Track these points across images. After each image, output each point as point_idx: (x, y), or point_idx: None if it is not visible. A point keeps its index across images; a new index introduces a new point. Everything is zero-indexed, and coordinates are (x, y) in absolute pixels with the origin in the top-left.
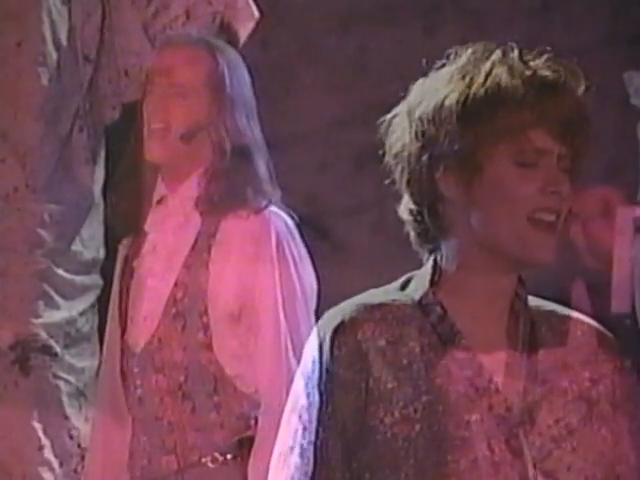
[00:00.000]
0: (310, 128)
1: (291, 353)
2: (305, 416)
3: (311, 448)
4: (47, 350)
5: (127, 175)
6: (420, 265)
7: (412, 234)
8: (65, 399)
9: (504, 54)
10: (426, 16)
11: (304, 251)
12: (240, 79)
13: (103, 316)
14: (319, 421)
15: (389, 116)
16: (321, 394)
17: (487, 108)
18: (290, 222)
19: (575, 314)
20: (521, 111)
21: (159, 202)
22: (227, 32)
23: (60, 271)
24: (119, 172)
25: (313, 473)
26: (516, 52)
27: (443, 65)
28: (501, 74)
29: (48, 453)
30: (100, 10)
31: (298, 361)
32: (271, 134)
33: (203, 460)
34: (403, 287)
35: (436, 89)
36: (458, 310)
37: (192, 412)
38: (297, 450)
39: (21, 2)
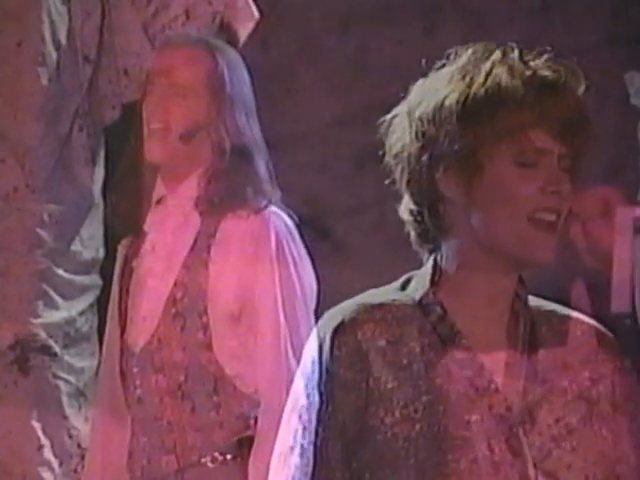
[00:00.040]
0: (310, 128)
1: (291, 353)
2: (305, 416)
3: (311, 448)
4: (46, 350)
5: (127, 175)
6: (420, 265)
7: (412, 234)
8: (65, 399)
9: (504, 54)
10: (426, 16)
11: (304, 251)
12: (240, 79)
13: (102, 316)
14: (319, 421)
15: (389, 116)
16: (321, 394)
17: (487, 108)
18: (290, 222)
19: (575, 314)
20: (521, 111)
21: (158, 202)
22: (227, 32)
23: (60, 271)
24: (119, 172)
25: (313, 473)
26: (516, 52)
27: (443, 65)
28: (501, 74)
29: (48, 453)
30: (100, 10)
31: (298, 361)
32: (271, 134)
33: (203, 460)
34: (403, 287)
35: (436, 89)
36: (458, 310)
37: (192, 412)
38: (297, 450)
39: (21, 2)
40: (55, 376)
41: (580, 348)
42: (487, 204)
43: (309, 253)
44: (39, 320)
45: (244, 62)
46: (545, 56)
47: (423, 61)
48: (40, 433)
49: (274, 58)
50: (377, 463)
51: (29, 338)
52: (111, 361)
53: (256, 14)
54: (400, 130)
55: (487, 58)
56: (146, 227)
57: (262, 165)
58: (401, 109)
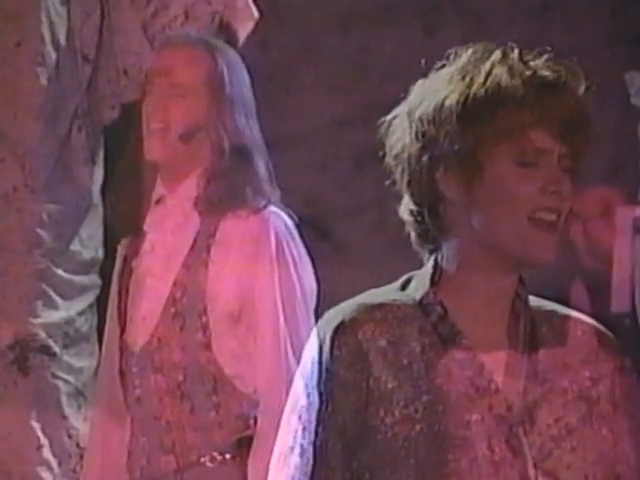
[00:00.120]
0: (310, 128)
1: (290, 353)
2: (305, 416)
3: (311, 448)
4: (46, 350)
5: (126, 175)
6: (420, 265)
7: (413, 234)
8: (64, 399)
9: (504, 54)
10: (426, 16)
11: (303, 251)
12: (239, 79)
13: (102, 316)
14: (319, 421)
15: (389, 117)
16: (321, 394)
17: (487, 108)
18: (289, 222)
19: (575, 314)
20: (521, 111)
21: (158, 202)
22: (226, 32)
23: (59, 271)
24: (118, 172)
25: (313, 473)
26: (516, 52)
27: (443, 66)
28: (501, 74)
29: (47, 453)
30: (99, 10)
31: (297, 361)
32: (271, 134)
33: (202, 460)
34: (403, 287)
35: (436, 90)
36: (459, 310)
37: (191, 412)
38: (297, 450)
39: (20, 2)
40: (54, 376)
41: (580, 348)
42: (487, 204)
43: (309, 253)
44: (38, 320)
45: (244, 62)
46: (545, 56)
47: (423, 61)
48: (39, 433)
49: (274, 58)
50: (377, 463)
51: (28, 338)
52: (110, 361)
53: (256, 14)
54: (400, 131)
55: (487, 58)
56: (145, 227)
57: (262, 165)
58: (401, 110)
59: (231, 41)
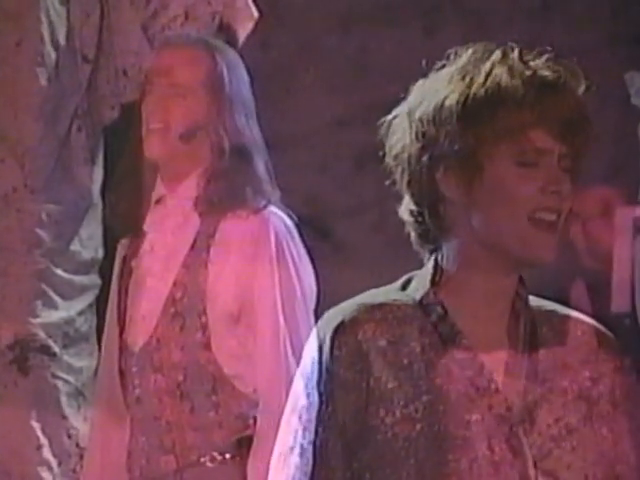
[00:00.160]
0: (310, 128)
1: (290, 353)
2: (305, 416)
3: (311, 448)
4: (45, 350)
5: (126, 175)
6: (421, 265)
7: (413, 235)
8: (64, 399)
9: (504, 54)
10: (426, 16)
11: (303, 251)
12: (239, 79)
13: (101, 316)
14: (319, 421)
15: (389, 117)
16: (321, 394)
17: (487, 108)
18: (289, 222)
19: (576, 314)
20: (521, 111)
21: (158, 202)
22: (226, 32)
23: (59, 271)
24: (118, 172)
25: (313, 473)
26: (516, 52)
27: (443, 66)
28: (501, 74)
29: (47, 452)
30: (99, 10)
31: (297, 361)
32: (271, 134)
33: (202, 460)
34: (404, 287)
35: (436, 90)
36: (459, 310)
37: (191, 412)
38: (297, 450)
39: (19, 2)
40: (54, 376)
41: (580, 348)
42: (487, 204)
43: (309, 253)
44: (38, 320)
45: (244, 62)
46: (545, 56)
47: (423, 62)
48: (39, 433)
49: (274, 58)
50: (377, 463)
51: (28, 338)
52: (110, 361)
53: (255, 14)
54: (400, 131)
55: (487, 58)
56: (145, 227)
57: (261, 165)
58: (401, 110)
59: (231, 41)
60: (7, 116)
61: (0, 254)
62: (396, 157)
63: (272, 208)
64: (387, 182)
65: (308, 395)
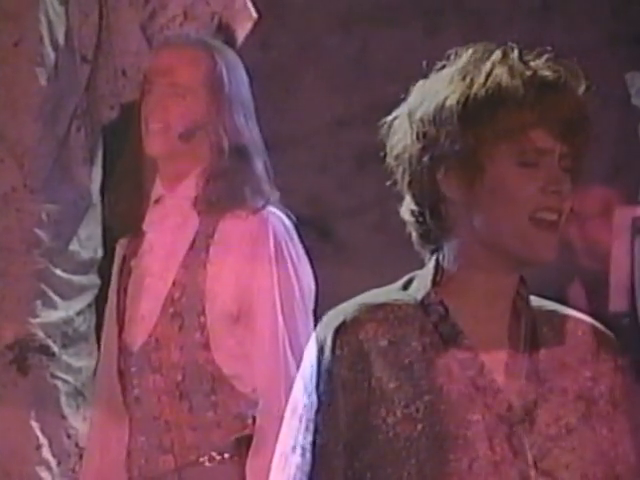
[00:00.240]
0: (311, 128)
1: (289, 353)
2: (306, 416)
3: (312, 448)
4: (45, 350)
5: (125, 175)
6: (422, 265)
7: (414, 235)
8: (63, 398)
9: (504, 54)
10: (426, 16)
11: (302, 251)
12: (238, 79)
13: (101, 316)
14: (320, 421)
15: (390, 118)
16: (323, 394)
17: (488, 108)
18: (288, 222)
19: (576, 314)
20: (522, 111)
21: (157, 202)
22: (225, 33)
23: (58, 271)
24: (117, 172)
25: (315, 473)
26: (516, 52)
27: (443, 66)
28: (501, 74)
29: (46, 452)
30: (98, 10)
31: (296, 361)
32: (272, 135)
33: (201, 459)
34: (405, 287)
35: (437, 90)
36: (460, 310)
37: (189, 411)
38: (299, 450)
39: (18, 2)
40: (53, 376)
41: (581, 348)
42: (488, 204)
43: (307, 253)
44: (37, 320)
45: (243, 63)
46: (545, 56)
47: (424, 62)
48: (38, 432)
49: (275, 59)
50: (379, 463)
51: (27, 338)
52: (109, 360)
53: (254, 15)
54: (401, 131)
55: (487, 58)
56: (144, 227)
57: (260, 165)
58: (402, 110)
59: (229, 41)
60: (6, 116)
61: None
62: (397, 157)
63: (271, 208)
64: (388, 182)
65: (309, 395)
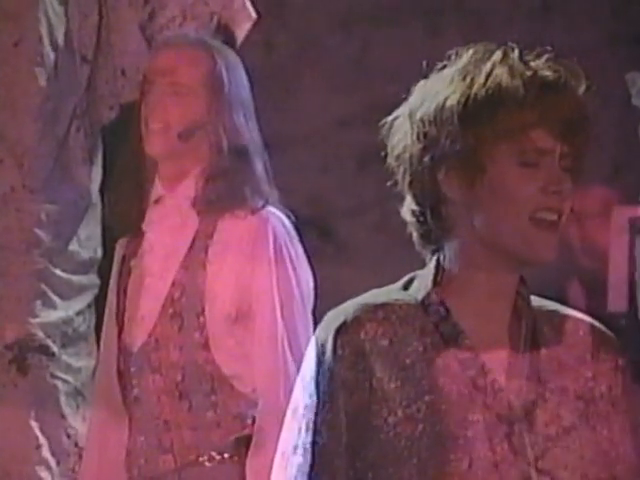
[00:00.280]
0: (312, 129)
1: (288, 353)
2: (308, 416)
3: (314, 448)
4: (44, 350)
5: (124, 175)
6: (422, 265)
7: (415, 235)
8: (62, 398)
9: (504, 55)
10: (427, 17)
11: (301, 251)
12: (238, 80)
13: (100, 316)
14: (322, 421)
15: (390, 118)
16: (324, 394)
17: (488, 109)
18: (287, 222)
19: (577, 314)
20: (522, 111)
21: (156, 202)
22: (224, 33)
23: (57, 271)
24: (116, 172)
25: (316, 473)
26: (516, 52)
27: (444, 66)
28: (502, 75)
29: (45, 452)
30: (97, 10)
31: (295, 361)
32: (274, 135)
33: (200, 459)
34: (406, 287)
35: (437, 90)
36: (461, 310)
37: (189, 411)
38: (300, 450)
39: (18, 2)
40: (53, 376)
41: (581, 348)
42: (489, 204)
43: (307, 253)
44: (37, 320)
45: (244, 63)
46: (545, 56)
47: (424, 62)
48: (38, 432)
49: (276, 59)
50: (380, 462)
51: (27, 338)
52: (108, 360)
53: (253, 15)
54: (402, 132)
55: (487, 59)
56: (144, 227)
57: (260, 165)
58: (402, 111)
59: (229, 42)
60: (6, 116)
61: None
62: (398, 158)
63: (270, 208)
64: (389, 182)
65: (310, 395)
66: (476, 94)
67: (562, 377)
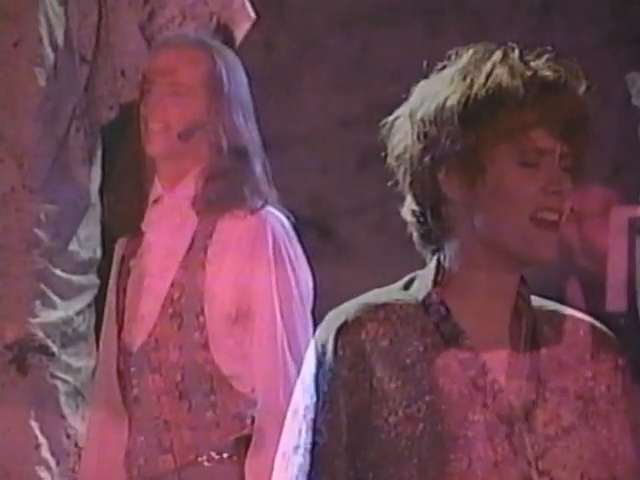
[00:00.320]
0: (312, 129)
1: (288, 353)
2: (309, 416)
3: (315, 448)
4: (44, 350)
5: (124, 175)
6: (423, 265)
7: (415, 235)
8: (62, 398)
9: (505, 55)
10: (427, 17)
11: (300, 251)
12: (237, 80)
13: (100, 316)
14: (322, 421)
15: (391, 118)
16: (324, 394)
17: (488, 109)
18: (286, 222)
19: (577, 314)
20: (522, 111)
21: (156, 202)
22: (223, 33)
23: (57, 271)
24: (116, 172)
25: (317, 473)
26: (517, 52)
27: (444, 66)
28: (502, 75)
29: (45, 452)
30: (97, 11)
31: (294, 361)
32: (274, 135)
33: (200, 459)
34: (406, 287)
35: (437, 91)
36: (461, 310)
37: (188, 411)
38: (301, 450)
39: (18, 3)
40: (53, 376)
41: (582, 348)
42: (489, 204)
43: (307, 253)
44: (37, 320)
45: (244, 63)
46: (545, 56)
47: (424, 63)
48: (38, 432)
49: (276, 59)
50: (381, 462)
51: (27, 338)
52: (108, 360)
53: (252, 15)
54: (402, 132)
55: (488, 59)
56: (143, 227)
57: (259, 165)
58: (403, 111)
59: (228, 42)
60: (6, 116)
61: None
62: (398, 158)
63: (270, 208)
64: (389, 183)
65: (311, 395)
66: (476, 94)
67: (562, 377)
